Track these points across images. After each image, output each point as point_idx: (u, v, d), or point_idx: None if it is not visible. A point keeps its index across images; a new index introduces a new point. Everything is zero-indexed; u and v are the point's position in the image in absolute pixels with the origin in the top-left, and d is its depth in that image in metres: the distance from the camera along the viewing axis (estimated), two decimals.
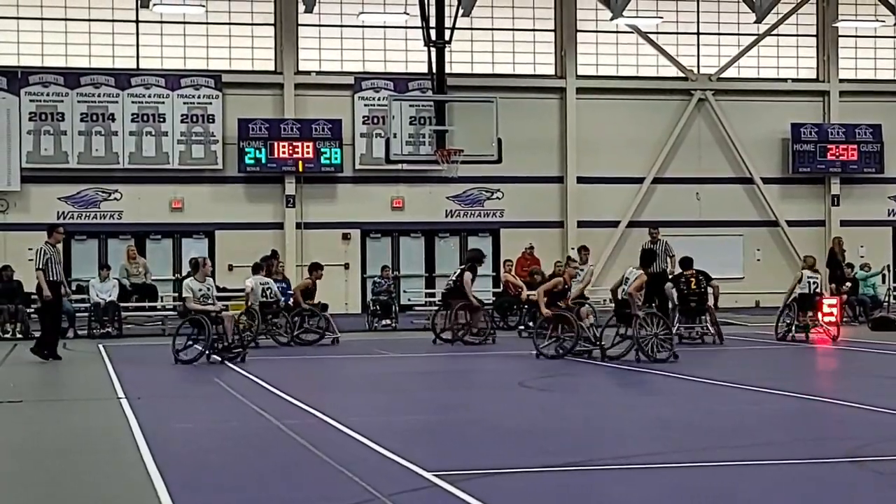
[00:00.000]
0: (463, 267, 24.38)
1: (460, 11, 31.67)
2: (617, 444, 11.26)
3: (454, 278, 24.10)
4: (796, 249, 35.03)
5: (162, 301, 29.04)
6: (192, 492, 8.99)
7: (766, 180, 35.35)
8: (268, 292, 23.79)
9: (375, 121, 33.08)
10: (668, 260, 25.87)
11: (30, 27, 32.11)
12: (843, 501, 8.74)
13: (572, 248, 29.21)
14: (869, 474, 9.50)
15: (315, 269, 24.73)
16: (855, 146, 35.51)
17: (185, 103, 32.25)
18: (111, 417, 13.00)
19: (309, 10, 32.65)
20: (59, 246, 20.79)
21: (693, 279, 22.73)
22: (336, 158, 32.68)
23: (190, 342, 19.63)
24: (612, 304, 20.65)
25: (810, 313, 23.45)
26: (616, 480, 9.35)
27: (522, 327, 25.31)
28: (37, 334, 21.75)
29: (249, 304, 23.08)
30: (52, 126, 31.65)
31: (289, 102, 32.88)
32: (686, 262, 23.23)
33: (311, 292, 24.39)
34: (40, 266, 19.93)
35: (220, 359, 19.37)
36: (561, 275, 21.11)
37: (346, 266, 33.07)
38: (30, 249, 20.87)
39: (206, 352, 19.39)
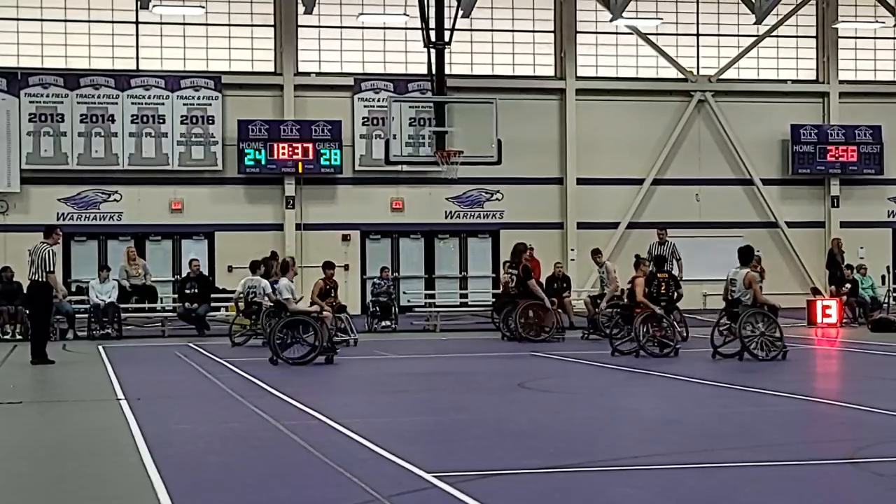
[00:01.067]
0: (517, 269, 24.44)
1: (460, 13, 31.68)
2: (617, 446, 11.27)
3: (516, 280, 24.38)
4: (796, 251, 35.06)
5: (161, 302, 29.03)
6: (191, 493, 8.99)
7: (765, 181, 35.36)
8: (251, 293, 23.91)
9: (375, 122, 33.09)
10: (675, 263, 26.16)
11: (29, 28, 32.13)
12: (843, 503, 8.74)
13: (586, 247, 28.88)
14: (868, 476, 9.51)
15: (327, 267, 24.33)
16: (854, 147, 35.51)
17: (184, 104, 32.27)
18: (111, 418, 13.00)
19: (308, 12, 32.65)
20: (57, 247, 20.82)
21: (664, 283, 23.24)
22: (336, 160, 32.68)
23: (291, 342, 19.57)
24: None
25: None
26: (616, 481, 9.36)
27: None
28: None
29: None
30: (52, 127, 31.67)
31: (288, 104, 32.89)
32: (659, 263, 23.80)
33: (327, 292, 24.06)
34: (52, 269, 19.96)
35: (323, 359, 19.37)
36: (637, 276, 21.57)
37: (346, 267, 33.05)
38: (29, 251, 20.84)
39: (315, 353, 19.34)
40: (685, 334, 24.05)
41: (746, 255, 20.17)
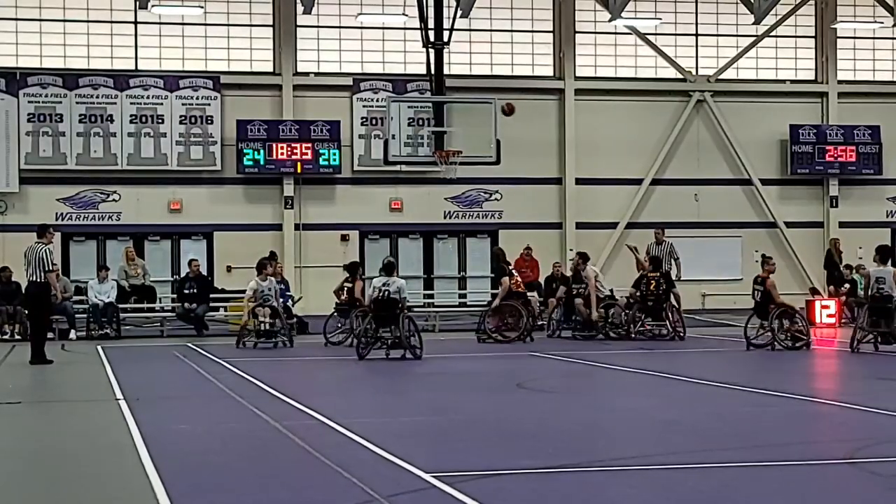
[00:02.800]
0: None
1: (459, 13, 31.65)
2: (615, 446, 11.27)
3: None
4: (795, 251, 35.06)
5: (160, 302, 29.03)
6: (190, 493, 8.99)
7: (764, 181, 35.35)
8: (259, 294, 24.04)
9: (374, 122, 33.08)
10: (673, 263, 26.35)
11: (28, 28, 32.10)
12: (842, 503, 8.75)
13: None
14: (867, 476, 9.51)
15: (355, 268, 24.73)
16: (853, 147, 35.49)
17: (183, 104, 32.25)
18: (110, 419, 13.00)
19: (307, 12, 32.64)
20: (51, 245, 20.89)
21: (654, 281, 24.17)
22: (335, 160, 32.67)
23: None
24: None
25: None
26: (615, 482, 9.36)
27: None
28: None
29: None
30: (51, 127, 31.65)
31: (287, 104, 32.88)
32: (654, 263, 24.78)
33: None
34: (50, 268, 19.99)
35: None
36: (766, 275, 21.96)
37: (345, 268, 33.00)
38: (25, 252, 20.85)
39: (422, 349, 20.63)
40: (682, 334, 24.29)
41: (889, 253, 21.16)
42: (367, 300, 21.92)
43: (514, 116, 32.22)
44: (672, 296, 24.82)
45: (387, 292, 20.35)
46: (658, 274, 24.73)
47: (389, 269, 20.90)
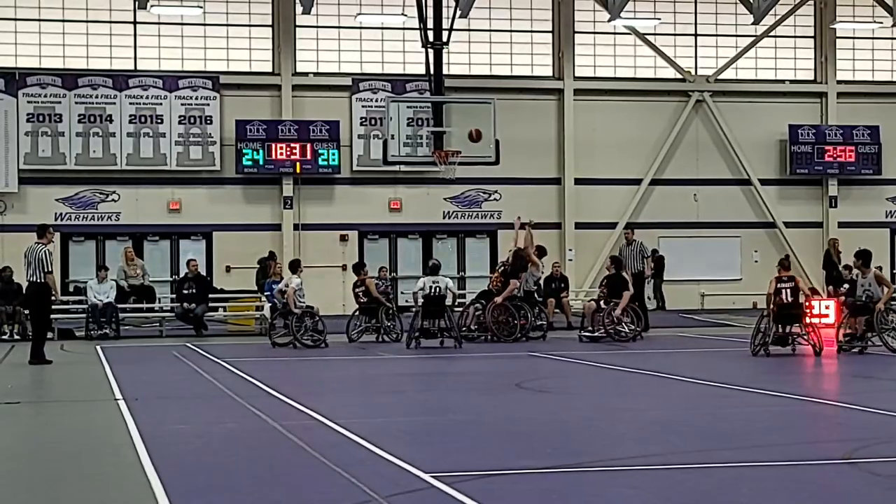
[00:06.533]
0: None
1: (458, 13, 31.62)
2: (614, 446, 11.26)
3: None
4: (794, 251, 35.05)
5: (159, 303, 29.03)
6: (189, 493, 8.98)
7: (763, 182, 35.37)
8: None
9: (373, 122, 33.08)
10: (644, 261, 26.42)
11: (27, 28, 32.12)
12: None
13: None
14: (866, 476, 9.51)
15: (361, 267, 25.60)
16: (853, 147, 35.51)
17: (182, 105, 32.26)
18: (109, 419, 12.99)
19: (306, 12, 32.64)
20: (51, 246, 20.89)
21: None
22: (334, 160, 32.68)
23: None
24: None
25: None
26: (614, 482, 9.35)
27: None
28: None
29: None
30: (50, 127, 31.66)
31: (286, 104, 32.88)
32: (616, 263, 25.22)
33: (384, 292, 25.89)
34: (50, 269, 19.97)
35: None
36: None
37: (344, 267, 33.02)
38: (25, 253, 20.84)
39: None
40: (640, 332, 24.07)
41: (870, 258, 21.31)
42: (414, 298, 23.81)
43: (513, 116, 32.30)
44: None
45: (437, 289, 22.97)
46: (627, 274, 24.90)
47: (435, 269, 23.67)
